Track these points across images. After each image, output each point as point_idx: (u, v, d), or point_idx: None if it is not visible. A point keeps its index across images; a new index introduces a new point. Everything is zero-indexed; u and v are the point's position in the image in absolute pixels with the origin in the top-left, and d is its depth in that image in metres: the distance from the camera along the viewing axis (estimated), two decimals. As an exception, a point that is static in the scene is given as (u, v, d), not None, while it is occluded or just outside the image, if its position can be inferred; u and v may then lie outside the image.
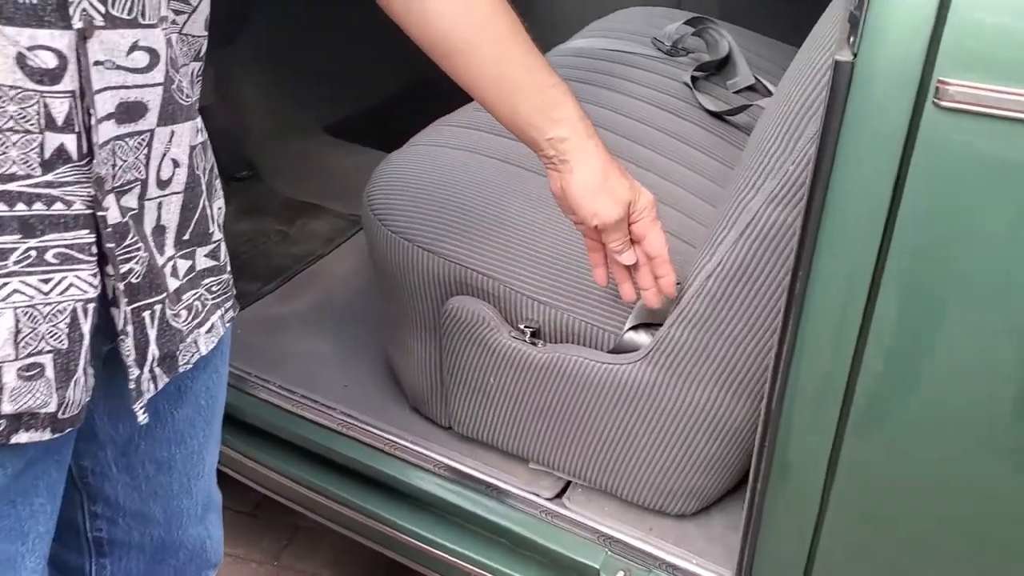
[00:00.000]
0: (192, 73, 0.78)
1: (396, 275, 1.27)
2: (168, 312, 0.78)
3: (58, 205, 0.67)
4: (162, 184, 0.75)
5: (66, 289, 0.69)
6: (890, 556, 0.94)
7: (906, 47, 0.74)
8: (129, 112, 0.69)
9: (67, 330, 0.69)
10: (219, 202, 0.84)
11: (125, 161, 0.70)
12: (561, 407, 1.19)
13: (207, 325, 0.84)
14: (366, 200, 1.31)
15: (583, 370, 1.15)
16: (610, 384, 1.14)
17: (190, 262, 0.80)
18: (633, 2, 2.02)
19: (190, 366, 0.83)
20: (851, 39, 0.78)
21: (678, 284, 1.14)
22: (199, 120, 0.79)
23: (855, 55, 0.77)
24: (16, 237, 0.65)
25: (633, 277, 1.05)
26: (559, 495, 1.26)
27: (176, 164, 0.75)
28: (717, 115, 1.57)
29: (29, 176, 0.65)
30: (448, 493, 1.30)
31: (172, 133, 0.74)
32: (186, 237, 0.79)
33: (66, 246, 0.68)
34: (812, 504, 0.94)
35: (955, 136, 0.74)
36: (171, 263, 0.78)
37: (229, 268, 0.87)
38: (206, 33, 0.80)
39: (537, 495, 1.26)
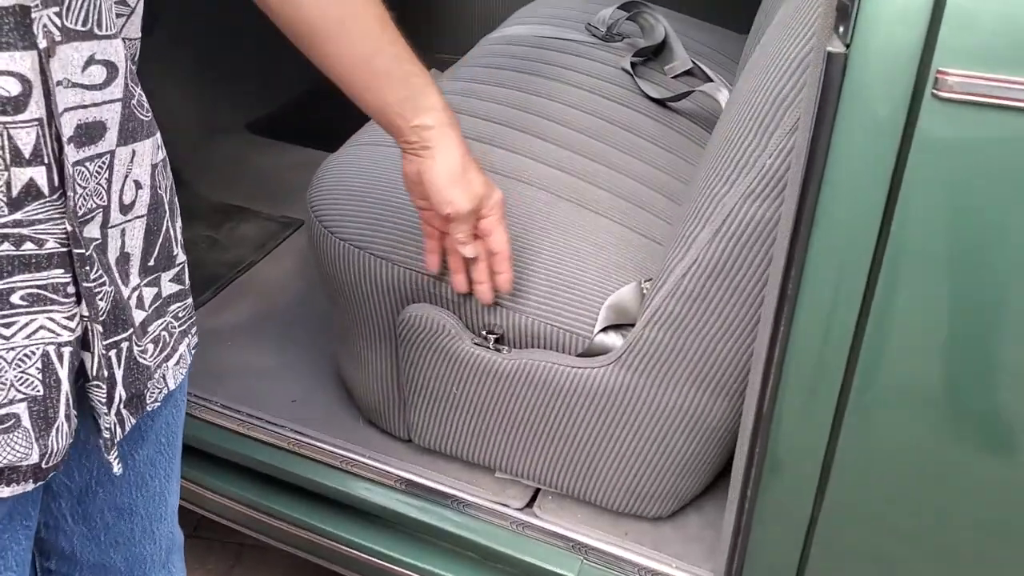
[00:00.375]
0: None
1: (347, 284, 1.20)
2: (135, 348, 0.71)
3: (28, 245, 0.60)
4: (125, 209, 0.68)
5: (34, 332, 0.62)
6: (886, 552, 0.92)
7: (902, 37, 0.71)
8: (88, 134, 0.62)
9: (40, 376, 0.63)
10: (179, 221, 0.77)
11: (85, 188, 0.63)
12: (530, 414, 1.15)
13: (175, 357, 0.77)
14: (310, 206, 1.24)
15: (552, 375, 1.11)
16: (582, 389, 1.10)
17: (156, 289, 0.74)
18: (563, -13, 1.98)
19: (158, 404, 0.76)
20: (841, 29, 0.75)
21: (648, 281, 1.11)
22: (159, 135, 0.72)
23: (848, 46, 0.74)
24: None
25: (469, 270, 1.07)
26: (528, 504, 1.22)
27: (139, 186, 0.68)
28: (659, 102, 1.54)
29: None
30: (411, 509, 1.25)
31: (133, 153, 0.67)
32: (151, 263, 0.72)
33: (38, 287, 0.61)
34: (806, 503, 0.92)
35: (956, 128, 0.72)
36: (136, 293, 0.71)
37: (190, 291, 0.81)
38: (140, 35, 0.73)
39: (506, 505, 1.21)
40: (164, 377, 0.77)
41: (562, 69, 1.57)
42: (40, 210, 0.60)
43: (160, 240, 0.73)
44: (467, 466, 1.26)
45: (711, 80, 1.61)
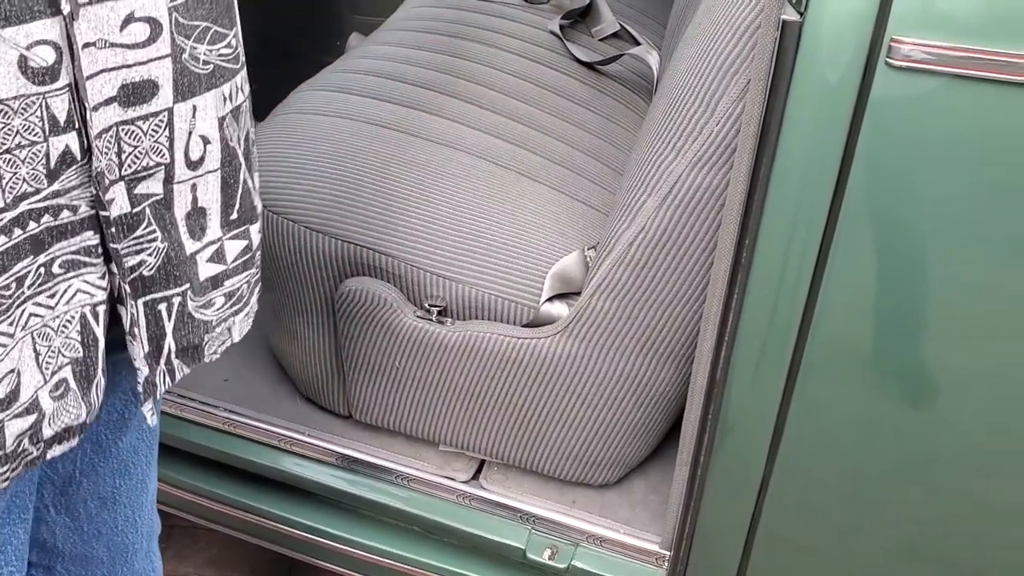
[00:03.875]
0: None
1: (281, 258, 1.17)
2: (190, 304, 0.70)
3: (65, 213, 0.60)
4: (193, 165, 0.66)
5: (72, 297, 0.63)
6: (837, 512, 0.94)
7: (856, 5, 0.72)
8: (137, 93, 0.61)
9: (79, 338, 0.64)
10: (257, 172, 0.76)
11: (137, 147, 0.62)
12: (476, 386, 1.13)
13: (246, 309, 0.77)
14: (239, 179, 1.19)
15: (498, 347, 1.09)
16: (528, 359, 1.09)
17: (245, 242, 0.73)
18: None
19: (217, 356, 0.76)
20: (794, -4, 0.74)
21: (591, 249, 1.10)
22: (227, 86, 0.68)
23: (802, 14, 0.74)
24: (29, 260, 0.59)
25: None
26: (474, 476, 1.21)
27: (207, 141, 0.67)
28: (589, 65, 1.53)
29: (38, 192, 0.58)
30: (354, 486, 1.23)
31: (194, 108, 0.65)
32: (234, 216, 0.71)
33: (73, 252, 0.62)
34: (757, 466, 0.93)
35: (909, 96, 0.72)
36: (215, 248, 0.71)
37: None
38: None
39: (451, 479, 1.20)
40: (230, 329, 0.76)
41: (491, 33, 1.55)
42: (72, 176, 0.60)
43: (240, 192, 0.71)
44: (410, 440, 1.25)
45: (639, 43, 1.60)
